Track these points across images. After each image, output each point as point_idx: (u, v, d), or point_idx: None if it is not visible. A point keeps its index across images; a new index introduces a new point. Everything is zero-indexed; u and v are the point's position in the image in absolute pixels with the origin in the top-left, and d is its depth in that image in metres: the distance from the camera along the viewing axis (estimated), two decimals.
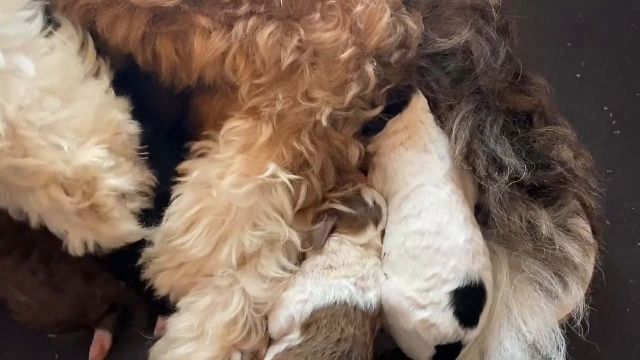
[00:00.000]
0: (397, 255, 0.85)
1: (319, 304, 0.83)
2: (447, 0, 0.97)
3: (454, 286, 0.82)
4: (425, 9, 0.94)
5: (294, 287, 0.85)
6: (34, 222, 0.81)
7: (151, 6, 0.81)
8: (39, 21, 0.79)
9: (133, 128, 0.85)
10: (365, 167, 0.95)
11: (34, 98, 0.75)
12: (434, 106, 0.94)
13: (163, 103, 0.95)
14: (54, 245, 0.84)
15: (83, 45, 0.82)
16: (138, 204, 0.84)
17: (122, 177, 0.81)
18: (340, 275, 0.84)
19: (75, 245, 0.82)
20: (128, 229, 0.83)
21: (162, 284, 0.88)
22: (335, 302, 0.82)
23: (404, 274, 0.84)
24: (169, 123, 0.97)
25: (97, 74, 0.83)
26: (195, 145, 0.91)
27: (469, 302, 0.82)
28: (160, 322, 0.91)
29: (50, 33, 0.80)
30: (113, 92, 0.83)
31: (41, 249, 0.91)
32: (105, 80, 0.83)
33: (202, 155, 0.90)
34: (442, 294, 0.81)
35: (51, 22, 0.81)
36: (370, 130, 0.92)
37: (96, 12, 0.83)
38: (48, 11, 0.82)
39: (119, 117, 0.82)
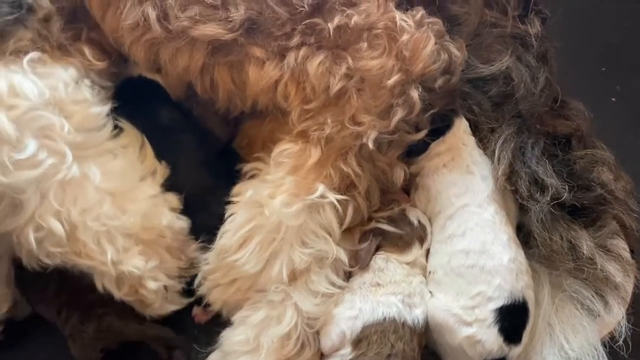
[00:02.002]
0: (443, 273, 0.88)
1: (368, 320, 0.86)
2: (488, 29, 1.01)
3: (498, 304, 0.84)
4: (467, 37, 0.99)
5: (343, 304, 0.88)
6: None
7: (210, 39, 0.86)
8: (108, 128, 0.89)
9: (181, 223, 0.92)
10: (408, 187, 0.99)
11: (96, 202, 0.84)
12: (475, 128, 0.97)
13: (217, 126, 1.01)
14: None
15: (142, 147, 0.91)
16: (180, 287, 0.93)
17: (164, 274, 0.90)
18: (387, 292, 0.88)
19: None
20: (171, 308, 0.92)
21: (216, 298, 0.92)
22: (384, 318, 0.85)
23: (449, 292, 0.87)
24: (221, 144, 1.03)
25: (154, 173, 0.91)
26: (247, 167, 0.96)
27: (513, 319, 0.85)
28: (195, 309, 0.95)
29: (115, 137, 0.89)
30: (162, 196, 0.91)
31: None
32: (158, 182, 0.91)
33: (253, 176, 0.95)
34: (487, 311, 0.84)
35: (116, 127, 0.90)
36: (413, 151, 0.96)
37: (159, 45, 0.89)
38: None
39: (165, 220, 0.89)
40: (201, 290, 0.92)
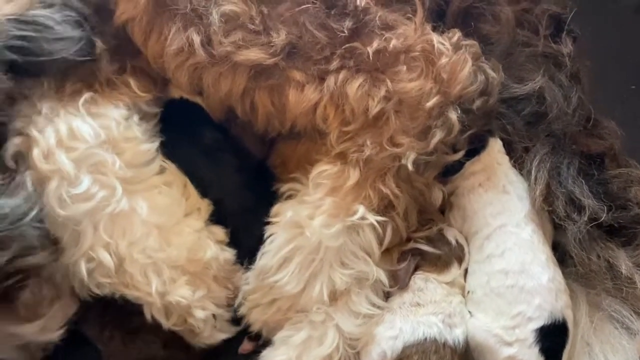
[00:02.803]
0: (482, 293, 0.89)
1: (409, 340, 0.87)
2: (519, 48, 1.02)
3: (539, 324, 0.85)
4: (499, 56, 1.00)
5: (383, 324, 0.89)
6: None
7: (253, 64, 0.88)
8: (156, 164, 0.93)
9: (226, 255, 0.94)
10: (442, 206, 0.99)
11: (142, 235, 0.87)
12: (509, 148, 0.98)
13: (253, 146, 1.02)
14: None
15: (185, 185, 0.94)
16: (228, 315, 0.95)
17: (213, 303, 0.92)
18: (428, 312, 0.88)
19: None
20: (220, 337, 0.94)
21: (256, 319, 0.93)
22: (425, 339, 0.86)
23: (489, 312, 0.88)
24: (256, 163, 1.04)
25: (198, 210, 0.94)
26: (284, 187, 0.97)
27: (553, 339, 0.86)
28: (245, 344, 0.96)
29: (160, 174, 0.93)
30: (206, 229, 0.94)
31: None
32: (202, 219, 0.94)
33: (290, 197, 0.96)
34: (528, 331, 0.85)
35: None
36: (448, 171, 0.97)
37: (203, 70, 0.90)
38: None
39: (210, 253, 0.92)
40: (241, 311, 0.93)
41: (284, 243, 0.91)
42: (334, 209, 0.90)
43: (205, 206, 0.94)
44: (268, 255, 0.91)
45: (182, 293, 0.88)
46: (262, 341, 0.94)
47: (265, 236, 0.93)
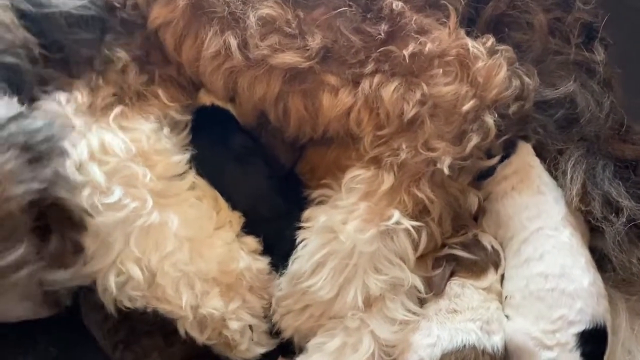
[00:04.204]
0: (521, 297, 0.88)
1: (447, 347, 0.85)
2: (551, 56, 1.02)
3: (580, 328, 0.83)
4: (531, 64, 1.00)
5: (420, 331, 0.87)
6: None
7: (288, 67, 0.88)
8: (189, 178, 0.93)
9: (259, 264, 0.93)
10: (476, 213, 0.99)
11: (174, 248, 0.87)
12: (541, 149, 0.98)
13: (283, 153, 1.02)
14: None
15: (216, 200, 0.94)
16: (266, 327, 0.93)
17: (248, 313, 0.91)
18: (465, 319, 0.87)
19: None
20: (259, 350, 0.92)
21: (288, 325, 0.91)
22: (464, 346, 0.84)
23: (528, 315, 0.86)
24: (285, 170, 1.03)
25: (230, 223, 0.94)
26: (314, 193, 0.96)
27: (595, 344, 0.84)
28: None
29: (192, 189, 0.93)
30: (238, 241, 0.93)
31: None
32: (234, 232, 0.93)
33: (321, 202, 0.95)
34: (569, 335, 0.83)
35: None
36: (481, 176, 0.96)
37: (238, 74, 0.91)
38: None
39: (242, 264, 0.91)
40: (274, 318, 0.92)
41: (317, 248, 0.89)
42: (368, 213, 0.89)
43: (236, 219, 0.93)
44: (301, 260, 0.90)
45: (215, 305, 0.87)
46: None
47: (297, 241, 0.92)
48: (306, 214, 0.93)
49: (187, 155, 0.93)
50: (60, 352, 0.96)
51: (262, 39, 0.87)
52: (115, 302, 0.86)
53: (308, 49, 0.88)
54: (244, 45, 0.88)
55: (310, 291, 0.88)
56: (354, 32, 0.89)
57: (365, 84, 0.89)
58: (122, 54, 0.92)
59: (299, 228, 0.93)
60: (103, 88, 0.91)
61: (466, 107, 0.88)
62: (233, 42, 0.87)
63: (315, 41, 0.88)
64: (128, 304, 0.87)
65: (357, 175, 0.91)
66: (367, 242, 0.87)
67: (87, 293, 0.88)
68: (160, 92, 0.95)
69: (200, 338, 0.88)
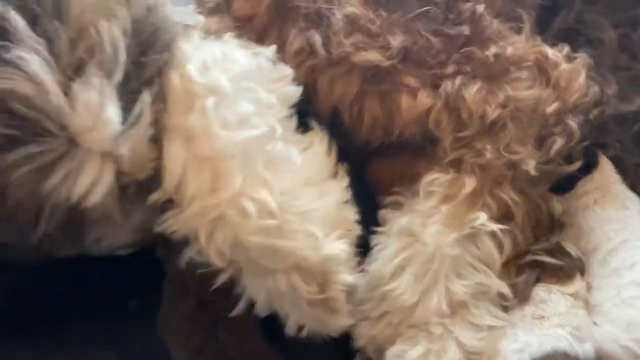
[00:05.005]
0: (611, 304, 0.84)
1: (536, 353, 0.80)
2: (622, 72, 1.02)
3: None
4: None
5: (506, 338, 0.83)
6: (259, 303, 0.82)
7: (370, 65, 0.88)
8: (294, 120, 0.86)
9: (359, 229, 0.87)
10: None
11: (296, 183, 0.80)
12: (618, 163, 0.96)
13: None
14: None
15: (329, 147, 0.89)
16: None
17: (354, 273, 0.84)
18: (554, 325, 0.83)
19: (290, 327, 0.84)
20: (348, 322, 0.85)
21: (362, 334, 0.87)
22: (555, 352, 0.80)
23: (619, 323, 0.82)
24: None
25: (336, 175, 0.88)
26: (387, 199, 0.94)
27: None
28: None
29: (304, 132, 0.87)
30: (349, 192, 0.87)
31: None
32: (345, 181, 0.87)
33: (395, 207, 0.92)
34: None
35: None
36: (560, 189, 0.94)
37: (319, 72, 0.90)
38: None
39: (352, 215, 0.86)
40: (347, 322, 0.87)
41: (396, 251, 0.86)
42: (449, 217, 0.86)
43: (342, 172, 0.87)
44: (379, 263, 0.87)
45: (338, 245, 0.80)
46: None
47: (373, 244, 0.88)
48: (382, 217, 0.91)
49: (300, 88, 0.86)
50: None
51: (346, 36, 0.87)
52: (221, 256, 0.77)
53: (389, 48, 0.88)
54: (327, 43, 0.88)
55: (391, 296, 0.85)
56: (434, 34, 0.89)
57: (446, 85, 0.88)
58: None
59: (374, 232, 0.89)
60: None
61: (549, 109, 0.88)
62: (317, 39, 0.87)
63: (396, 41, 0.88)
64: (252, 239, 0.75)
65: (435, 179, 0.89)
66: (449, 245, 0.84)
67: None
68: None
69: (305, 288, 0.78)
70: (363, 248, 0.88)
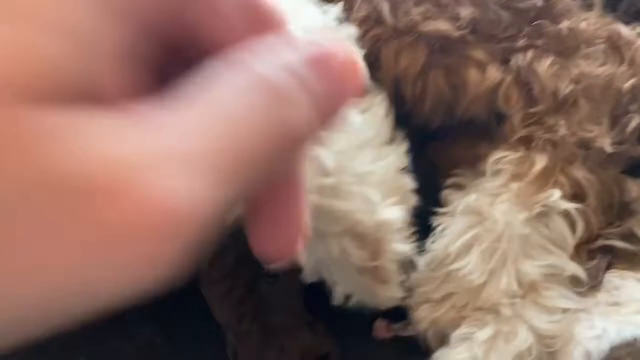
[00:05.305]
0: None
1: (615, 340, 0.75)
2: None
3: None
4: None
5: (581, 323, 0.78)
6: (307, 268, 0.78)
7: (438, 35, 0.84)
8: None
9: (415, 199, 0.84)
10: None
11: (353, 145, 0.77)
12: None
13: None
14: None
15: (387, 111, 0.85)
16: (405, 277, 0.83)
17: (407, 243, 0.81)
18: (631, 311, 0.78)
19: (338, 297, 0.81)
20: (397, 295, 0.82)
21: (423, 317, 0.82)
22: (635, 340, 0.75)
23: None
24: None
25: (394, 140, 0.84)
26: (448, 181, 0.90)
27: None
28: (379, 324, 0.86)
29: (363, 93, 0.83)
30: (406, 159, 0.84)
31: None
32: (403, 147, 0.84)
33: (457, 187, 0.88)
34: None
35: None
36: (633, 173, 0.89)
37: (384, 42, 0.86)
38: None
39: (409, 183, 0.82)
40: (409, 305, 0.83)
41: (463, 230, 0.82)
42: (519, 195, 0.82)
43: (399, 138, 0.83)
44: (444, 241, 0.82)
45: (394, 211, 0.76)
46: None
47: (435, 224, 0.84)
48: (445, 197, 0.86)
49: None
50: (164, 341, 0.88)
51: (415, 5, 0.84)
52: None
53: (459, 19, 0.85)
54: (394, 11, 0.85)
55: (456, 276, 0.80)
56: (503, 7, 0.86)
57: (517, 59, 0.85)
58: None
59: (434, 213, 0.85)
60: None
61: (625, 86, 0.84)
62: (385, 7, 0.84)
63: (466, 12, 0.85)
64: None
65: (503, 157, 0.85)
66: (519, 224, 0.80)
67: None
68: None
69: (356, 259, 0.76)
70: (420, 227, 0.84)
